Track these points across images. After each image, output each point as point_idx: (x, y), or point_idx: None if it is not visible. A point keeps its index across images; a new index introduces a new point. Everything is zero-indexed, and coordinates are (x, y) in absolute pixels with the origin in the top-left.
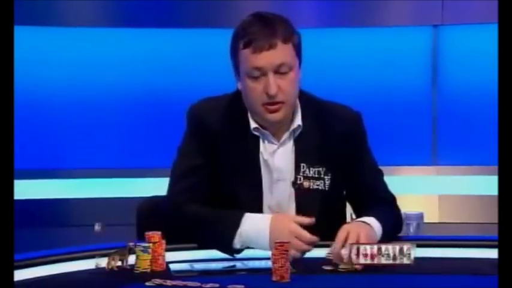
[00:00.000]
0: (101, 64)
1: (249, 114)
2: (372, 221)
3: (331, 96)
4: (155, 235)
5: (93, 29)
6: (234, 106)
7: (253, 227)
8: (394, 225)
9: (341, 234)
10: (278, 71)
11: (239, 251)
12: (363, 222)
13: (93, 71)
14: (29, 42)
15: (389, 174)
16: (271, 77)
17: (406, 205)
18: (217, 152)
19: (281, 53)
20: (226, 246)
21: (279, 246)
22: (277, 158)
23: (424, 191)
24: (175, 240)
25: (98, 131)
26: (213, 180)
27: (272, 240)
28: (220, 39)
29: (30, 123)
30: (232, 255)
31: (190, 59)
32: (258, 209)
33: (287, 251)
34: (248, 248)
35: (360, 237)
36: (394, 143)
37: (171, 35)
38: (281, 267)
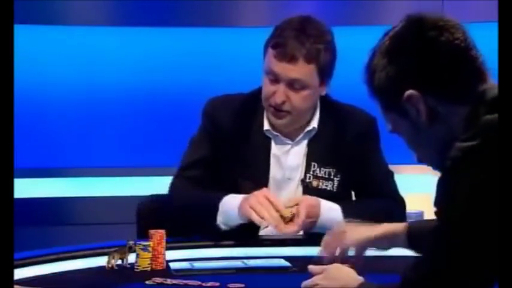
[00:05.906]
0: (102, 62)
1: (264, 115)
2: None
3: (334, 94)
4: (156, 233)
5: (93, 28)
6: (249, 105)
7: (231, 199)
8: (382, 210)
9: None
10: (291, 84)
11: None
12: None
13: (94, 70)
14: (30, 41)
15: None
16: (281, 86)
17: (406, 204)
18: (227, 149)
19: (300, 70)
20: (210, 225)
21: None
22: (291, 157)
23: (424, 189)
24: (174, 228)
25: (99, 130)
26: (219, 176)
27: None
28: (223, 38)
29: (30, 122)
30: (219, 234)
31: (193, 57)
32: None
33: None
34: (232, 227)
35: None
36: (393, 141)
37: (173, 34)
38: None
